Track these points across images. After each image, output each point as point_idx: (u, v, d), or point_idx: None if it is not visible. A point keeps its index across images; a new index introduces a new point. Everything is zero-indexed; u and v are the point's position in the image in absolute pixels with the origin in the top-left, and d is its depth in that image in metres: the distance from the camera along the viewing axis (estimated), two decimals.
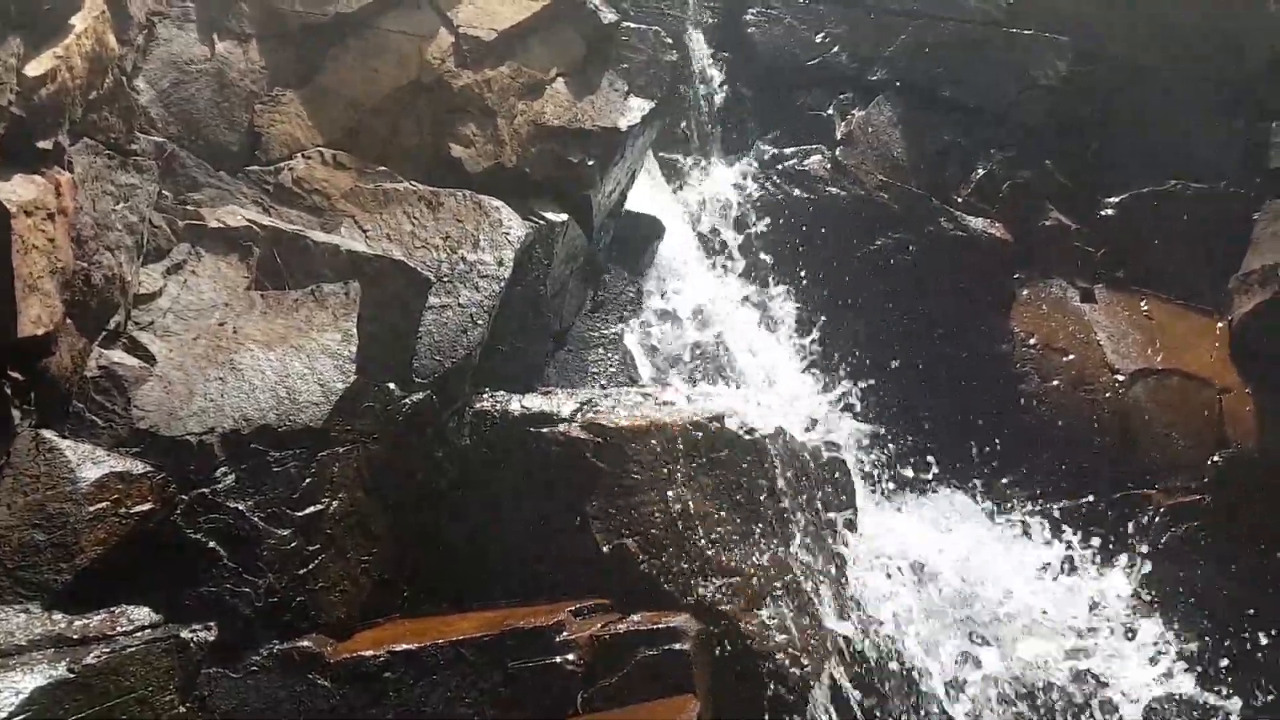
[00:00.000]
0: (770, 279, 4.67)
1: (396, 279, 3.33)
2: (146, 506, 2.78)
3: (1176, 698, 3.89)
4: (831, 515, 3.41)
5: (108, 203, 3.04)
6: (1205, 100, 5.34)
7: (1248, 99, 5.36)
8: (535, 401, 3.36)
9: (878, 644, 3.42)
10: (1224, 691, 3.96)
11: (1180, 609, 4.33)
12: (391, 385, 3.21)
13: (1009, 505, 4.53)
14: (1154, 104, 5.32)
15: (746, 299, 4.57)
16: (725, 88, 5.03)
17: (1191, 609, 4.41)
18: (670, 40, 4.21)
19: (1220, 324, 5.11)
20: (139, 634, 2.59)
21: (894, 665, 3.39)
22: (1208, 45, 5.35)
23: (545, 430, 3.27)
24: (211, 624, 2.74)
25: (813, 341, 4.50)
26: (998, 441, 4.69)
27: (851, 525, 3.51)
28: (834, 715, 3.21)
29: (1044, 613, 3.77)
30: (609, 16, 4.02)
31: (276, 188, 3.52)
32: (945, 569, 3.73)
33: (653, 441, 3.23)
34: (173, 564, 2.85)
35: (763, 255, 4.70)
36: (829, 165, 4.91)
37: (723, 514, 3.23)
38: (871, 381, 4.59)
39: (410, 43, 3.76)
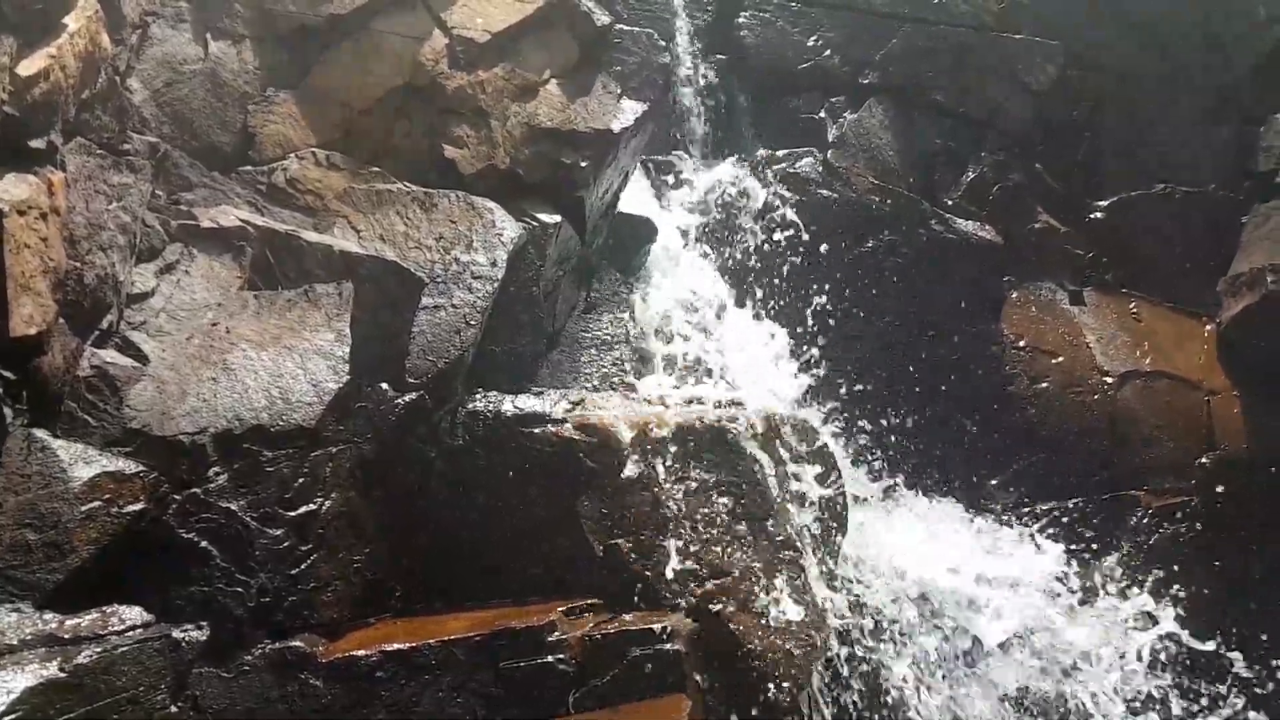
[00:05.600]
0: (761, 281, 4.68)
1: (390, 280, 3.33)
2: (139, 506, 2.78)
3: (1163, 697, 3.92)
4: (822, 515, 3.43)
5: (101, 202, 3.03)
6: (1193, 104, 5.39)
7: (1234, 103, 5.40)
8: (528, 402, 3.37)
9: (868, 645, 3.44)
10: (1211, 690, 3.98)
11: (1168, 609, 4.35)
12: (384, 385, 3.21)
13: (998, 506, 4.55)
14: (1142, 108, 5.36)
15: (738, 300, 4.58)
16: (718, 91, 5.05)
17: (1179, 609, 4.43)
18: (663, 43, 4.22)
19: (1208, 326, 5.15)
20: (131, 633, 2.58)
21: (884, 667, 3.41)
22: (1195, 50, 5.39)
23: (538, 430, 3.27)
24: (203, 624, 2.74)
25: (804, 343, 4.52)
26: (987, 443, 4.71)
27: (842, 526, 3.52)
28: (825, 716, 3.22)
29: (1029, 612, 3.79)
30: (602, 19, 4.03)
31: (270, 188, 3.52)
32: (934, 569, 3.74)
33: (645, 442, 3.24)
34: (165, 564, 2.85)
35: (754, 258, 4.72)
36: (821, 168, 4.93)
37: (714, 514, 3.24)
38: (863, 383, 4.61)
39: (404, 44, 3.76)
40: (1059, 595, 4.01)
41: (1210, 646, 4.22)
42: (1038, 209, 5.19)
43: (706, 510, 3.23)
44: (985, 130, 5.19)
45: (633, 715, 2.84)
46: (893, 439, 4.55)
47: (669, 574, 3.12)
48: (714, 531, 3.20)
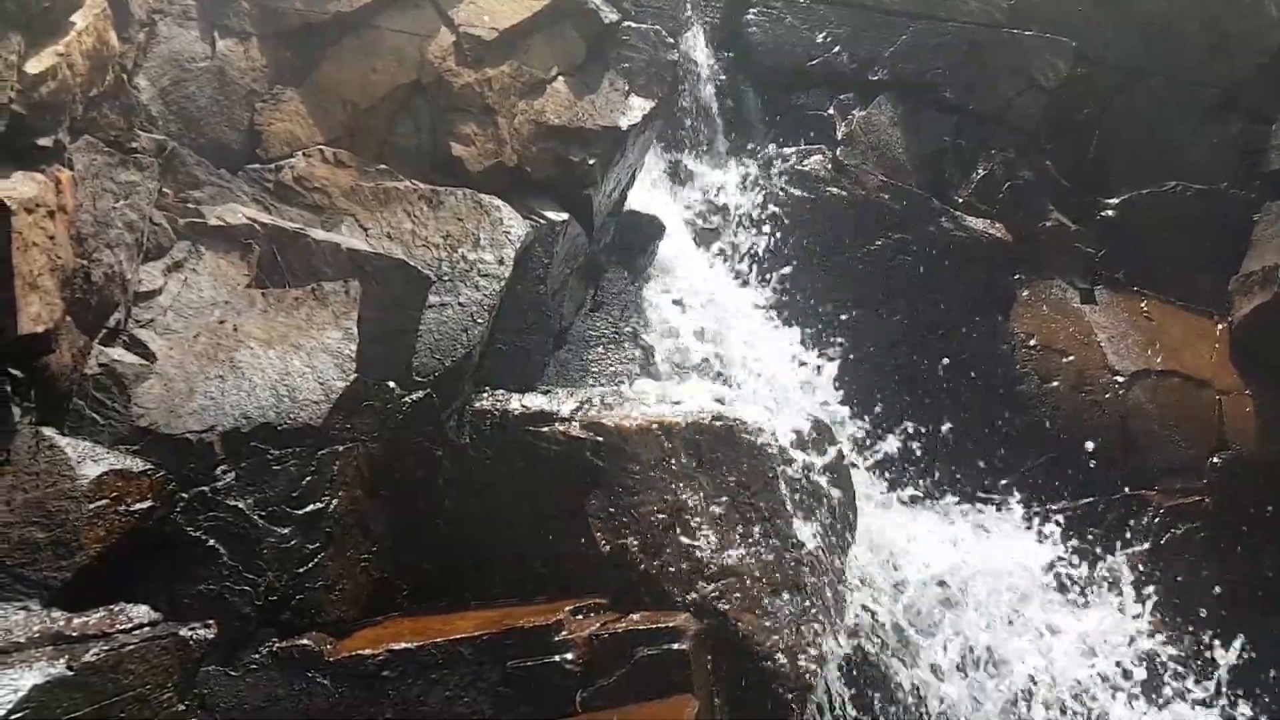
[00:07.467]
0: (770, 279, 4.67)
1: (397, 277, 3.33)
2: (146, 504, 2.78)
3: (1175, 700, 3.90)
4: (831, 516, 3.41)
5: (108, 200, 3.04)
6: (1203, 102, 5.35)
7: (1244, 102, 5.36)
8: (535, 400, 3.36)
9: (877, 646, 3.42)
10: (1224, 693, 3.96)
11: (1180, 610, 4.33)
12: (391, 384, 3.21)
13: (1009, 506, 4.53)
14: (1152, 106, 5.32)
15: (746, 299, 4.57)
16: (726, 87, 5.03)
17: (1191, 610, 4.41)
18: (671, 40, 4.21)
19: (1220, 325, 5.11)
20: (138, 632, 2.58)
21: (893, 667, 3.40)
22: (1203, 48, 5.35)
23: (545, 429, 3.27)
24: (211, 622, 2.73)
25: (813, 341, 4.50)
26: (997, 442, 4.69)
27: (851, 526, 3.51)
28: (832, 717, 3.21)
29: (1034, 613, 3.77)
30: (610, 16, 4.01)
31: (277, 186, 3.52)
32: (943, 570, 3.73)
33: (653, 441, 3.23)
34: (172, 562, 2.86)
35: (763, 256, 4.71)
36: (829, 165, 4.91)
37: (722, 514, 3.23)
38: (872, 381, 4.59)
39: (410, 41, 3.76)
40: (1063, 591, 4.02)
41: (1217, 646, 4.20)
42: (1048, 207, 5.15)
43: (714, 509, 3.22)
44: (995, 127, 5.15)
45: (639, 715, 2.83)
46: (902, 437, 4.52)
47: (676, 573, 3.11)
48: (721, 531, 3.19)
